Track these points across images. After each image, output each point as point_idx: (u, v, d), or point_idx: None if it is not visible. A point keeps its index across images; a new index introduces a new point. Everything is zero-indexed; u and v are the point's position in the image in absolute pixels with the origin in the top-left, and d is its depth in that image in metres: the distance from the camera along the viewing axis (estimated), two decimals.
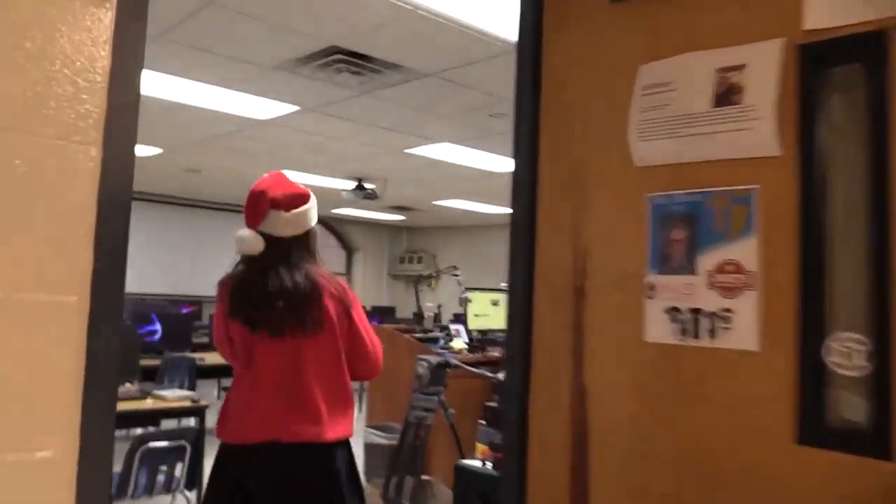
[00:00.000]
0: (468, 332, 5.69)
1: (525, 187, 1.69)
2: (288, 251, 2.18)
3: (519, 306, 1.71)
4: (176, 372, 5.95)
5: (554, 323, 1.57)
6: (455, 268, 5.46)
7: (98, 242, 0.98)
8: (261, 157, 6.93)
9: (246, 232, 2.16)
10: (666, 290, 1.37)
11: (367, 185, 7.81)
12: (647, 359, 1.39)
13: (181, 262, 11.37)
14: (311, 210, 2.27)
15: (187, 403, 4.23)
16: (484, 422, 3.53)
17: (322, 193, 9.14)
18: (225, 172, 8.09)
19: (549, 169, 1.65)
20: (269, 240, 2.16)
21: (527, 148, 1.69)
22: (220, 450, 2.18)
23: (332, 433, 2.12)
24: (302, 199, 2.24)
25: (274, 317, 2.10)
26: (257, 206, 2.17)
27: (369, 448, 4.78)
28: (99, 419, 0.97)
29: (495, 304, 6.08)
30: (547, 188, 1.65)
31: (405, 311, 13.11)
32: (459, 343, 5.29)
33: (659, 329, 1.37)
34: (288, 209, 2.18)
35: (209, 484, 2.23)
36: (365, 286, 13.51)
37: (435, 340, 5.05)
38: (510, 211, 1.79)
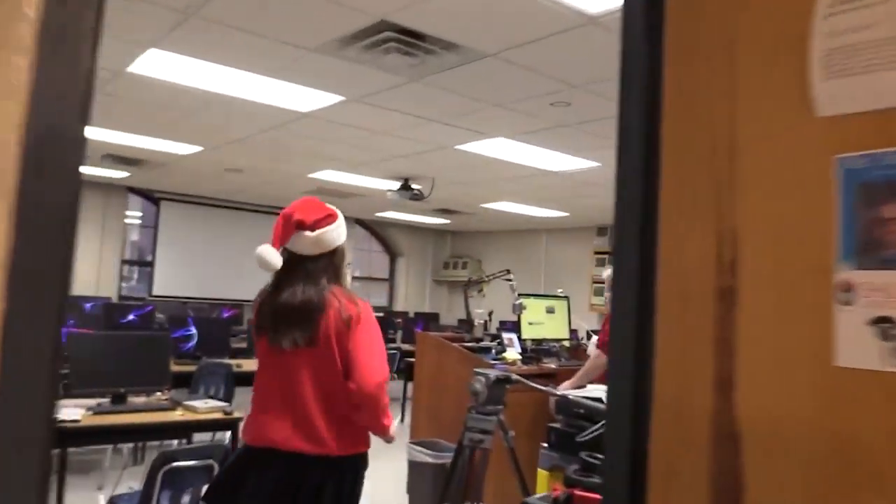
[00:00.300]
0: (521, 341, 5.27)
1: (638, 153, 1.28)
2: (311, 268, 2.31)
3: (629, 312, 1.29)
4: (212, 379, 5.66)
5: (686, 336, 1.15)
6: (508, 271, 5.04)
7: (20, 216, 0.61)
8: (303, 155, 6.63)
9: (263, 248, 2.24)
10: (871, 291, 0.94)
11: (413, 186, 7.45)
12: (838, 393, 0.96)
13: (224, 266, 11.18)
14: (336, 230, 2.38)
15: (219, 415, 3.89)
16: (547, 445, 3.11)
17: (366, 194, 8.89)
18: (267, 173, 7.82)
19: (676, 131, 1.23)
20: (295, 258, 2.31)
21: (640, 105, 1.27)
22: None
23: (326, 447, 2.21)
24: (328, 219, 2.36)
25: (276, 328, 2.26)
26: (284, 228, 2.29)
27: (413, 467, 4.39)
28: (14, 460, 0.60)
29: (550, 311, 5.65)
30: (673, 157, 1.23)
31: (449, 317, 12.73)
32: (513, 354, 4.87)
33: (859, 349, 0.94)
34: (313, 229, 2.31)
35: (226, 466, 2.43)
36: (408, 291, 13.18)
37: (486, 350, 4.65)
38: (614, 200, 1.38)
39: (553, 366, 4.94)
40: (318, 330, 2.22)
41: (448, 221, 11.58)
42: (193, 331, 5.96)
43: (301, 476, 2.20)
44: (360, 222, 12.87)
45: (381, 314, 12.09)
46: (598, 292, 10.37)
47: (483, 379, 2.78)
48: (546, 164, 6.34)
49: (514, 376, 2.86)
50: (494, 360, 4.76)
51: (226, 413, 3.95)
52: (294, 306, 2.24)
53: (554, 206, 8.97)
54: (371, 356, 2.25)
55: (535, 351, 5.34)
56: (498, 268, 5.75)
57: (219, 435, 4.99)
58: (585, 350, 5.58)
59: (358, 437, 2.31)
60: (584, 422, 3.00)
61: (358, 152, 6.39)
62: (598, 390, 3.35)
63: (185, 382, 5.77)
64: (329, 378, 2.24)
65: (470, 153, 6.06)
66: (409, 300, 13.09)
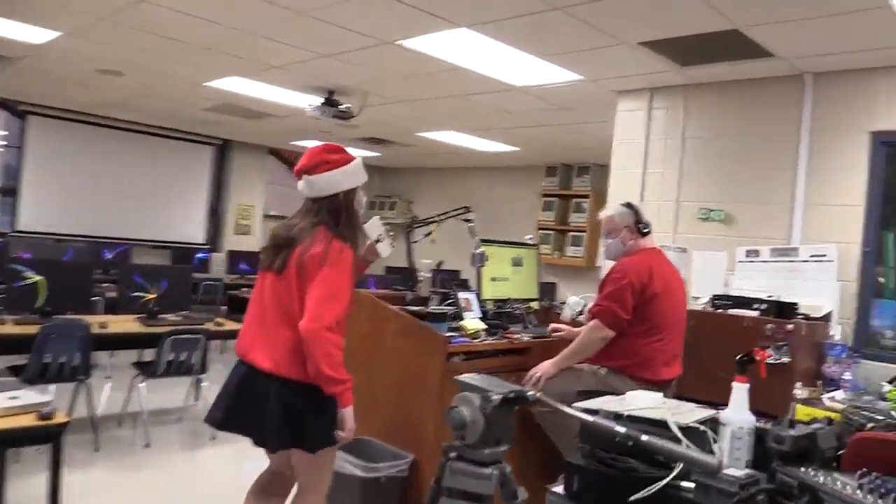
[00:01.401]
0: (481, 303, 3.99)
1: None
2: (309, 208, 2.55)
3: None
4: (61, 346, 4.17)
5: None
6: (468, 209, 3.70)
7: None
8: (194, 51, 5.01)
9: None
10: None
11: (340, 101, 5.95)
12: None
13: (109, 198, 9.40)
14: (333, 177, 2.52)
15: (25, 420, 2.47)
16: (563, 492, 1.86)
17: (280, 113, 7.19)
18: (153, 79, 6.14)
19: None
20: (307, 198, 2.57)
21: None
22: None
23: (274, 365, 2.41)
24: (324, 166, 2.51)
25: (264, 252, 2.60)
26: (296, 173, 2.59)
27: (337, 479, 3.04)
28: None
29: (517, 263, 4.37)
30: None
31: (375, 266, 11.36)
32: (474, 321, 3.59)
33: None
34: (310, 174, 2.52)
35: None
36: None
37: (441, 317, 3.35)
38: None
39: (526, 338, 3.68)
40: (287, 260, 2.44)
41: (377, 154, 10.09)
42: (34, 277, 4.39)
43: (252, 385, 2.44)
44: (275, 153, 11.20)
45: None
46: (545, 240, 9.19)
47: (477, 402, 1.47)
48: (513, 74, 4.97)
49: (532, 392, 1.55)
50: (452, 329, 3.47)
51: (42, 417, 2.52)
52: (277, 235, 2.54)
53: (504, 138, 7.64)
54: (317, 300, 2.35)
55: (499, 316, 4.07)
56: (432, 210, 4.37)
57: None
58: (558, 315, 4.35)
59: (289, 362, 2.41)
60: (633, 460, 1.77)
61: (269, 48, 4.85)
62: (652, 404, 2.10)
63: (24, 348, 4.28)
64: (290, 306, 2.42)
65: (418, 54, 4.62)
66: None
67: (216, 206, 10.67)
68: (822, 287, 4.03)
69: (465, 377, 1.60)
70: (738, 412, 2.07)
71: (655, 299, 3.22)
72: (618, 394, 3.37)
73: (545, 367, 3.28)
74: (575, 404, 2.06)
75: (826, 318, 3.89)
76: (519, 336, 3.67)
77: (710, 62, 4.22)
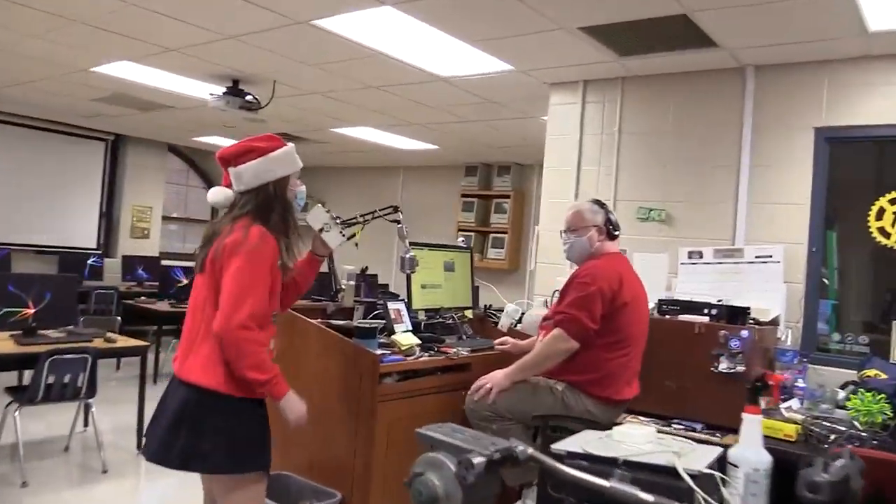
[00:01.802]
0: (411, 313, 3.58)
1: None
2: (238, 202, 2.32)
3: None
4: None
5: None
6: (395, 209, 3.28)
7: None
8: (79, 25, 4.36)
9: (214, 188, 2.40)
10: None
11: (246, 91, 5.40)
12: None
13: None
14: (255, 167, 2.29)
15: None
16: None
17: (179, 105, 6.47)
18: (34, 62, 5.39)
19: None
20: (237, 193, 2.34)
21: None
22: None
23: (185, 371, 2.21)
24: (247, 155, 2.30)
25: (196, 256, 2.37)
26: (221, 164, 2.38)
27: None
28: None
29: (449, 268, 3.98)
30: None
31: None
32: (406, 335, 3.17)
33: None
34: (236, 163, 2.31)
35: None
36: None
37: (370, 333, 2.91)
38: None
39: (464, 352, 3.29)
40: (205, 258, 2.25)
41: None
42: None
43: (171, 393, 2.25)
44: (174, 149, 10.40)
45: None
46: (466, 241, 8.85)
47: (452, 467, 1.06)
48: (439, 62, 4.58)
49: (522, 447, 1.15)
50: (383, 345, 3.04)
51: None
52: (204, 234, 2.34)
53: (424, 135, 7.25)
54: (229, 295, 2.13)
55: (431, 327, 3.67)
56: (347, 211, 3.91)
57: None
58: (495, 325, 4.00)
59: (199, 368, 2.18)
60: None
61: (162, 27, 4.26)
62: (646, 441, 1.74)
63: None
64: (206, 307, 2.23)
65: (335, 37, 4.16)
66: None
67: (109, 207, 9.77)
68: (769, 289, 3.84)
69: (431, 430, 1.18)
70: (751, 450, 1.74)
71: (624, 309, 2.92)
72: (574, 414, 3.07)
73: (497, 379, 2.90)
74: (558, 445, 1.68)
75: (774, 322, 3.70)
76: (456, 350, 3.28)
77: (651, 52, 3.97)
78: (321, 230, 2.54)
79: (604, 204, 3.27)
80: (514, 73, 4.60)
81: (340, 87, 5.39)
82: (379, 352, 2.91)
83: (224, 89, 5.34)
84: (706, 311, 3.60)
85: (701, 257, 4.07)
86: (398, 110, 6.06)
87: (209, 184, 10.86)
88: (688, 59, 4.01)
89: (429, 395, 3.04)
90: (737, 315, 3.49)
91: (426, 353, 3.13)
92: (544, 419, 2.90)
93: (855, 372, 3.59)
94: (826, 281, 3.90)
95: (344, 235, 2.61)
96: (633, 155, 4.42)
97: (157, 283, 7.98)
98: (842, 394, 3.37)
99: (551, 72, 4.53)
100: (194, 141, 9.35)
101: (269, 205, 2.28)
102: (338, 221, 2.59)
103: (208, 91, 5.41)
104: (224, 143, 9.04)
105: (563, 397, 2.88)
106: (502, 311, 3.97)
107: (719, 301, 3.67)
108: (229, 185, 2.35)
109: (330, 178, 10.86)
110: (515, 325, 3.96)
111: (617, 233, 3.24)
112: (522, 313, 4.04)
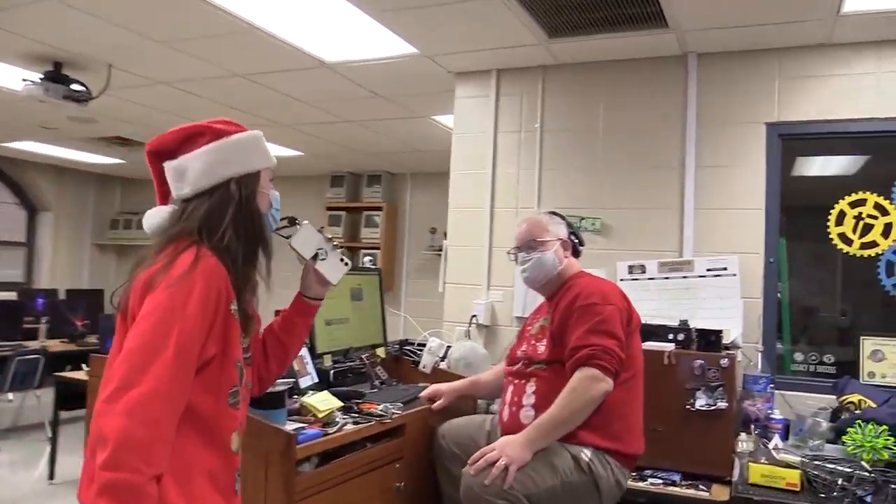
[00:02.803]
0: (316, 360, 2.73)
1: None
2: (176, 214, 1.52)
3: None
4: None
5: None
6: (294, 221, 2.40)
7: None
8: None
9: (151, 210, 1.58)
10: None
11: (70, 77, 4.24)
12: None
13: None
14: (220, 152, 1.53)
15: None
16: None
17: None
18: None
19: None
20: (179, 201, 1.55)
21: None
22: None
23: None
24: (203, 137, 1.55)
25: None
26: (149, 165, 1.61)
27: None
28: None
29: (357, 297, 3.15)
30: None
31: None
32: (322, 396, 2.30)
33: None
34: (176, 154, 1.55)
35: None
36: (57, 261, 9.33)
37: (278, 401, 2.01)
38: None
39: (396, 411, 2.48)
40: (121, 304, 1.45)
41: (120, 161, 8.14)
42: None
43: None
44: None
45: (12, 294, 8.27)
46: (363, 261, 7.98)
47: None
48: (326, 43, 3.75)
49: None
50: (294, 414, 2.17)
51: None
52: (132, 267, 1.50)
53: (291, 138, 6.29)
54: (124, 356, 1.30)
55: (342, 375, 2.83)
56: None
57: None
58: (415, 365, 3.23)
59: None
60: None
61: None
62: None
63: None
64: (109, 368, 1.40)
65: (197, 3, 3.21)
66: (57, 273, 9.28)
67: None
68: (726, 307, 3.36)
69: None
70: None
71: (635, 335, 2.40)
72: (604, 490, 2.22)
73: (515, 453, 2.14)
74: None
75: (734, 344, 3.21)
76: (385, 408, 2.45)
77: (584, 33, 3.38)
78: (315, 257, 1.73)
79: (562, 215, 2.64)
80: (418, 59, 3.86)
81: (197, 75, 4.38)
82: (289, 427, 2.04)
83: (42, 74, 4.16)
84: (672, 336, 3.04)
85: (644, 272, 3.54)
86: (265, 107, 5.10)
87: (23, 199, 9.16)
88: (623, 44, 3.47)
89: (355, 478, 2.21)
90: (711, 340, 2.96)
91: (348, 419, 2.29)
92: None
93: (827, 397, 3.18)
94: (778, 294, 3.49)
95: (347, 264, 1.78)
96: (558, 155, 3.81)
97: None
98: (824, 424, 2.92)
99: (460, 58, 3.84)
100: (3, 147, 7.74)
101: (222, 214, 1.49)
102: (336, 245, 1.76)
103: (21, 75, 4.20)
104: (43, 150, 7.58)
105: (591, 469, 2.21)
106: (423, 346, 3.20)
107: (683, 323, 3.13)
108: (165, 202, 1.58)
109: None
110: (439, 364, 3.21)
111: (582, 248, 2.62)
112: (448, 347, 3.29)
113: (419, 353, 3.22)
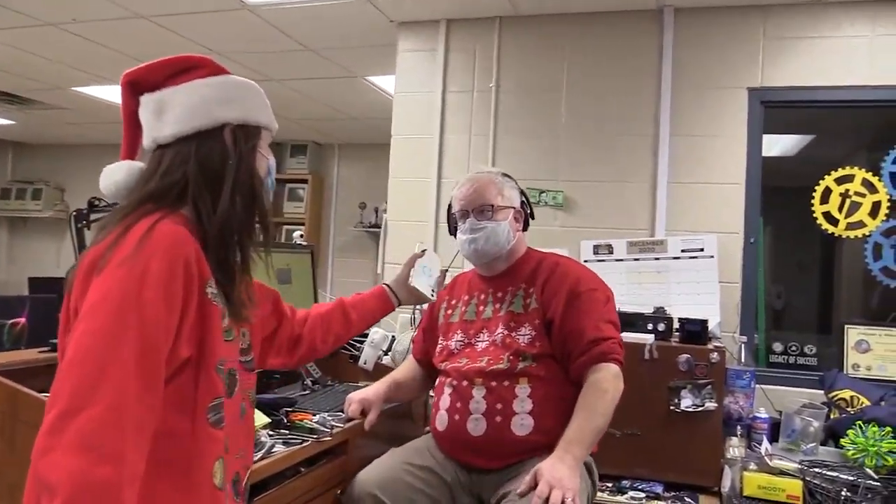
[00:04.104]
0: None
1: None
2: (154, 170, 1.21)
3: None
4: None
5: None
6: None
7: None
8: None
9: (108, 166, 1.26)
10: None
11: None
12: None
13: None
14: (200, 89, 1.22)
15: None
16: None
17: None
18: None
19: None
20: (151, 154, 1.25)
21: None
22: None
23: None
24: (193, 71, 1.24)
25: None
26: (122, 102, 1.29)
27: None
28: None
29: (285, 280, 2.63)
30: None
31: (15, 274, 8.33)
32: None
33: None
34: (159, 86, 1.24)
35: None
36: None
37: None
38: None
39: (337, 425, 1.98)
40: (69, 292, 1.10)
41: (11, 122, 7.22)
42: None
43: None
44: None
45: None
46: (290, 237, 7.34)
47: None
48: None
49: None
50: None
51: None
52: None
53: None
54: (60, 375, 0.97)
55: (266, 377, 2.32)
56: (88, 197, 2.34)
57: None
58: (352, 360, 2.75)
59: None
60: None
61: None
62: None
63: None
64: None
65: None
66: None
67: None
68: (702, 292, 3.03)
69: None
70: None
71: None
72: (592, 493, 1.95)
73: (572, 484, 1.66)
74: None
75: (711, 334, 2.87)
76: (322, 420, 1.96)
77: None
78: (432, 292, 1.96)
79: (514, 179, 2.20)
80: (356, 3, 3.32)
81: (91, 16, 3.70)
82: None
83: None
84: (650, 326, 2.67)
85: (611, 252, 3.16)
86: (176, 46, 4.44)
87: None
88: None
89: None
90: (695, 330, 2.60)
91: (277, 437, 1.79)
92: None
93: (810, 391, 2.89)
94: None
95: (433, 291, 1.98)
96: (516, 120, 3.37)
97: None
98: (815, 424, 2.62)
99: (405, 4, 3.33)
100: None
101: (219, 171, 1.18)
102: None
103: None
104: None
105: (591, 471, 1.98)
106: (364, 338, 2.71)
107: (660, 310, 2.77)
108: (133, 155, 1.28)
109: (71, 158, 8.55)
110: (381, 359, 2.74)
111: (531, 221, 2.21)
112: (393, 338, 2.82)
113: (357, 345, 2.73)
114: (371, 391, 2.12)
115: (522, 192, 2.16)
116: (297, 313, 1.68)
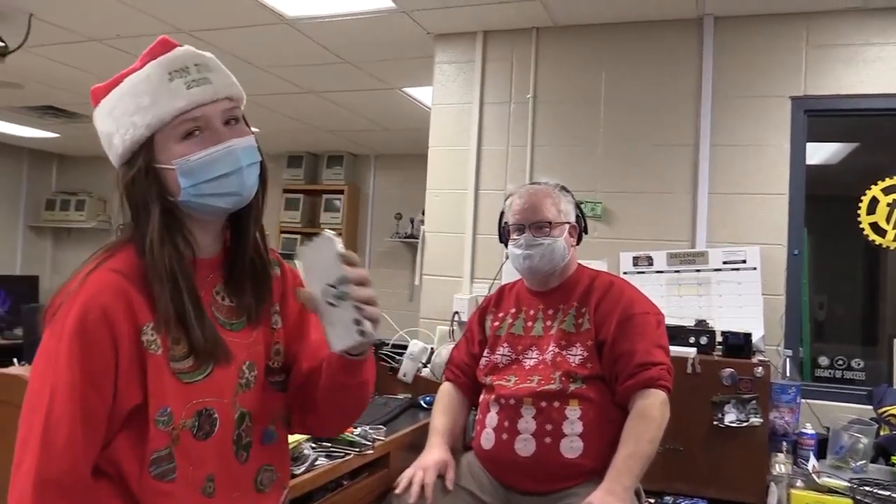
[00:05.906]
0: None
1: None
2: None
3: None
4: None
5: None
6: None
7: None
8: None
9: None
10: None
11: None
12: None
13: None
14: (115, 101, 1.13)
15: None
16: None
17: None
18: None
19: None
20: None
21: None
22: None
23: None
24: (114, 80, 1.17)
25: None
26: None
27: None
28: None
29: None
30: None
31: (58, 282, 8.54)
32: None
33: None
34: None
35: None
36: None
37: None
38: None
39: (379, 436, 1.98)
40: None
41: (55, 135, 7.41)
42: None
43: None
44: None
45: None
46: (289, 246, 7.42)
47: None
48: None
49: None
50: None
51: None
52: None
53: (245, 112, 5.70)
54: (25, 427, 0.97)
55: None
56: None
57: None
58: (392, 372, 2.75)
59: None
60: None
61: None
62: None
63: None
64: None
65: None
66: None
67: None
68: (745, 304, 2.97)
69: None
70: None
71: None
72: None
73: None
74: None
75: (755, 348, 2.81)
76: (363, 435, 1.97)
77: None
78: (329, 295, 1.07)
79: (570, 192, 2.18)
80: (393, 16, 3.35)
81: (135, 31, 3.79)
82: None
83: None
84: (693, 339, 2.63)
85: (651, 264, 3.12)
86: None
87: None
88: (630, 2, 3.04)
89: None
90: (739, 344, 2.56)
91: (319, 450, 1.80)
92: None
93: (859, 406, 2.82)
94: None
95: (362, 333, 1.05)
96: (554, 131, 3.36)
97: None
98: (864, 440, 2.55)
99: (442, 16, 3.35)
100: None
101: (135, 199, 1.13)
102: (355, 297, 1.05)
103: None
104: None
105: (640, 498, 1.92)
106: (403, 349, 2.72)
107: (702, 323, 2.73)
108: None
109: (113, 171, 8.72)
110: (421, 371, 2.74)
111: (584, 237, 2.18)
112: (432, 351, 2.83)
113: (396, 356, 2.74)
114: (444, 450, 1.94)
115: (577, 205, 2.14)
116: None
